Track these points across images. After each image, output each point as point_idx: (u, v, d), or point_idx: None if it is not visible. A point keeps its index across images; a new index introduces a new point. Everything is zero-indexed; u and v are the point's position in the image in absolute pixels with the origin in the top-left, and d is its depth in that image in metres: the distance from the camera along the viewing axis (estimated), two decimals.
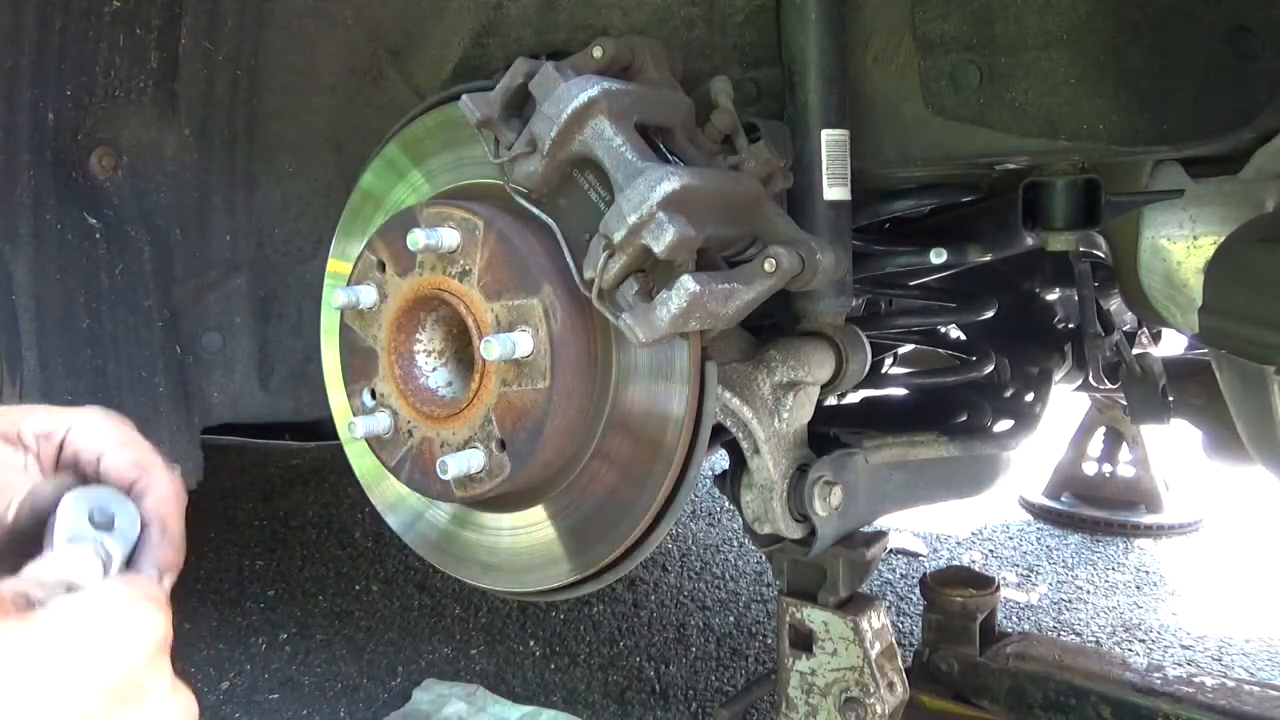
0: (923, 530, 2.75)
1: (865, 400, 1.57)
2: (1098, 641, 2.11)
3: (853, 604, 1.13)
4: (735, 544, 2.65)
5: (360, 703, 1.86)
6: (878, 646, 1.10)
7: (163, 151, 1.35)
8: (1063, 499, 2.85)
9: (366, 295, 0.96)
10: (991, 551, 2.65)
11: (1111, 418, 2.77)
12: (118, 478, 0.59)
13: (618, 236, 0.81)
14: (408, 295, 0.94)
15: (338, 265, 1.14)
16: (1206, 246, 1.20)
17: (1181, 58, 0.84)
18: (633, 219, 0.80)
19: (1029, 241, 1.28)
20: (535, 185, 0.88)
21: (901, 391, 1.57)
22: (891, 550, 2.57)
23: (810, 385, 1.06)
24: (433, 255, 0.91)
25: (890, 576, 2.45)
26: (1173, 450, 2.73)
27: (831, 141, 0.98)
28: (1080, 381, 1.71)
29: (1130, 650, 2.07)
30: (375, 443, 0.98)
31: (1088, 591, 2.37)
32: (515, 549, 1.01)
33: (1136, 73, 0.86)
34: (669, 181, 0.80)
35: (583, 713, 1.79)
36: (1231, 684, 1.32)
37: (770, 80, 1.05)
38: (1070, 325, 1.68)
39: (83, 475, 0.59)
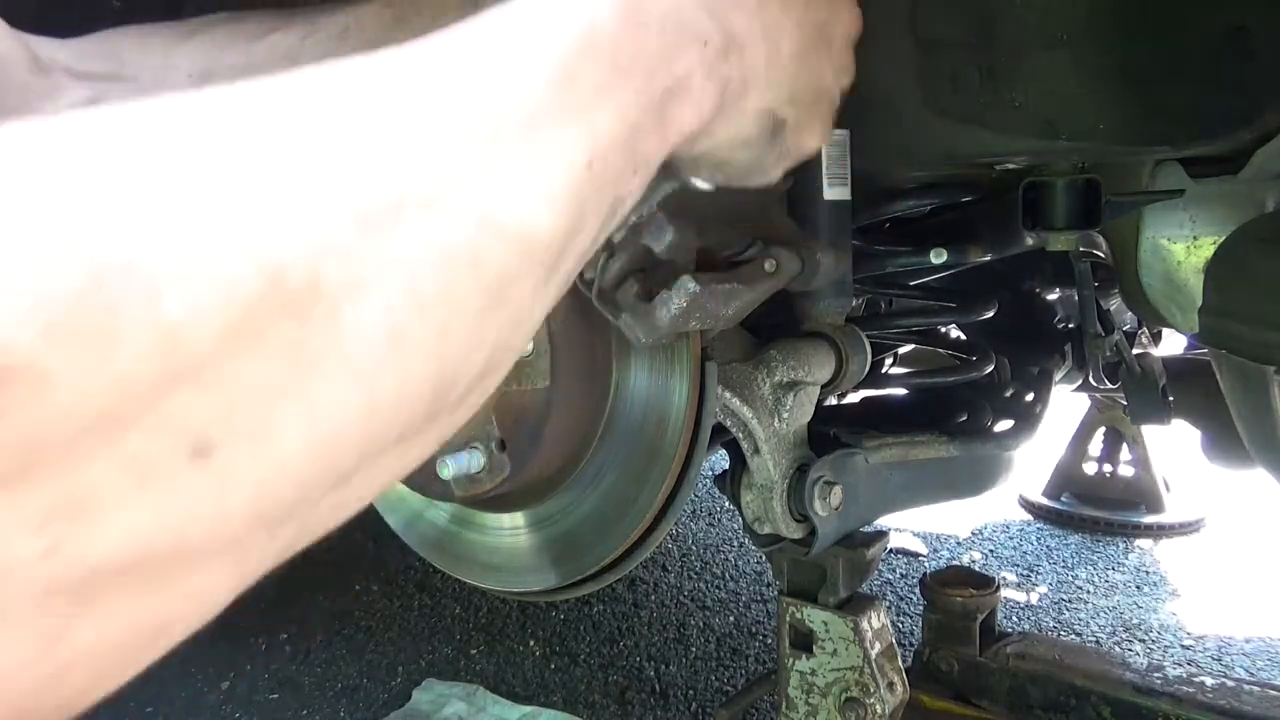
0: (923, 530, 2.75)
1: (865, 400, 1.57)
2: (1098, 641, 2.11)
3: (853, 604, 1.13)
4: (735, 544, 2.65)
5: (360, 703, 1.86)
6: (878, 646, 1.10)
7: None
8: (1063, 499, 2.85)
9: None
10: (991, 551, 2.65)
11: (1111, 418, 2.77)
12: None
13: (618, 236, 0.81)
14: None
15: None
16: (1206, 246, 1.20)
17: (1181, 58, 0.84)
18: (633, 219, 0.80)
19: (1029, 241, 1.28)
20: None
21: (901, 391, 1.57)
22: (891, 550, 2.57)
23: (810, 385, 1.06)
24: None
25: (890, 576, 2.45)
26: (1173, 450, 2.73)
27: (831, 141, 0.98)
28: (1080, 381, 1.71)
29: (1130, 650, 2.07)
30: None
31: (1088, 591, 2.37)
32: (516, 549, 1.01)
33: (1136, 73, 0.86)
34: (669, 182, 0.81)
35: (583, 713, 1.79)
36: (1232, 684, 1.32)
37: None
38: (1070, 325, 1.68)
39: None
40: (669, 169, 0.62)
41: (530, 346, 0.86)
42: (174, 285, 0.29)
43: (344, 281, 0.34)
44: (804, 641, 1.13)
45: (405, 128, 0.37)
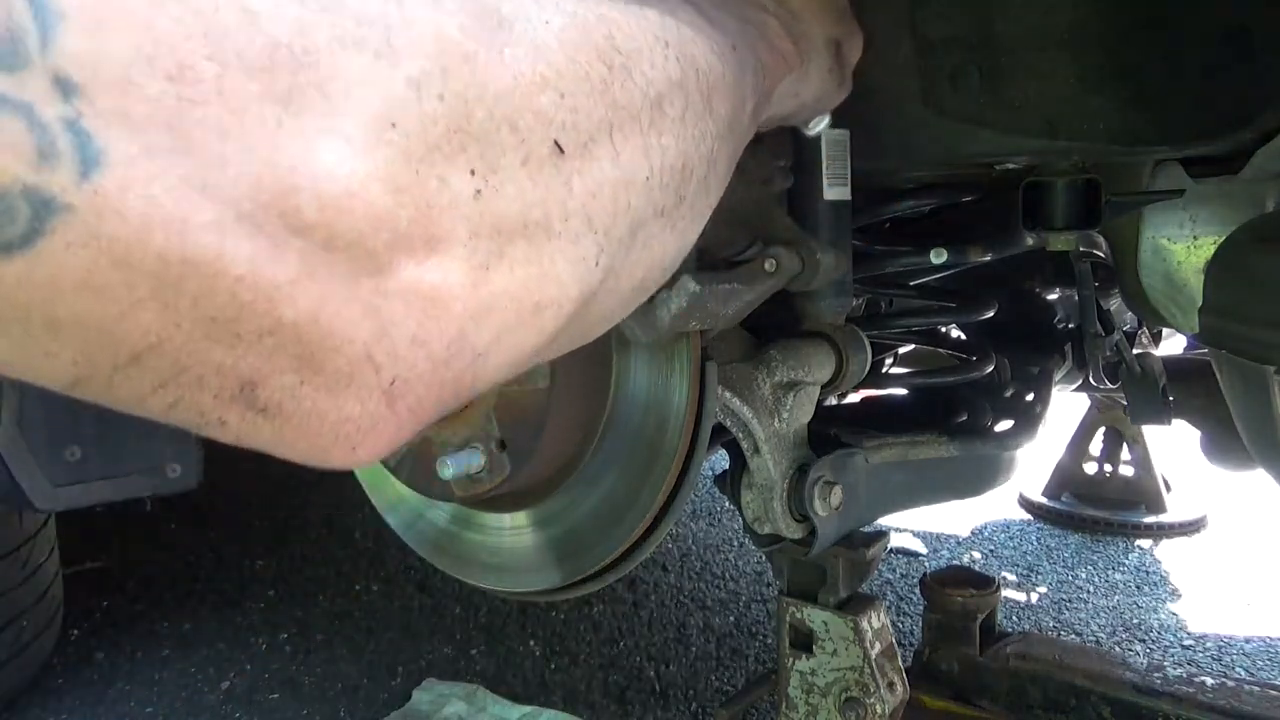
0: (923, 530, 2.75)
1: (865, 400, 1.57)
2: (1098, 641, 2.11)
3: (853, 604, 1.13)
4: (735, 544, 2.65)
5: (360, 703, 1.86)
6: (878, 646, 1.10)
7: None
8: (1063, 499, 2.85)
9: None
10: (991, 551, 2.65)
11: (1111, 418, 2.77)
12: None
13: None
14: None
15: None
16: (1206, 246, 1.20)
17: (1181, 58, 0.84)
18: None
19: (1029, 241, 1.28)
20: None
21: (901, 391, 1.57)
22: (891, 550, 2.58)
23: (810, 385, 1.06)
24: None
25: (890, 576, 2.45)
26: (1173, 450, 2.73)
27: (831, 141, 0.98)
28: (1080, 381, 1.71)
29: (1130, 650, 2.07)
30: None
31: (1088, 591, 2.37)
32: (516, 549, 1.01)
33: (1136, 73, 0.86)
34: None
35: (583, 713, 1.79)
36: (1232, 684, 1.32)
37: None
38: (1070, 325, 1.68)
39: None
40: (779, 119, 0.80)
41: None
42: (536, 26, 0.42)
43: (629, 49, 0.47)
44: (804, 641, 1.13)
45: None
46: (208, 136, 0.31)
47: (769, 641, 2.07)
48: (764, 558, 2.29)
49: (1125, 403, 1.65)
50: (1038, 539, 2.72)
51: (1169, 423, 1.57)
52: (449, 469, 0.88)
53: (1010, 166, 1.10)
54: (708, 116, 0.54)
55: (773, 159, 0.96)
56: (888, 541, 1.20)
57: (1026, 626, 2.18)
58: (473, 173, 0.39)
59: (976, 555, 2.62)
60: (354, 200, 0.34)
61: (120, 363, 0.33)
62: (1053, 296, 1.69)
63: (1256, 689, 1.31)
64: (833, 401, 1.42)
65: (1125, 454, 2.79)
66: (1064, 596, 2.34)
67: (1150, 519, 2.72)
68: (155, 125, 0.30)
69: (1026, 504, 2.90)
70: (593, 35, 0.45)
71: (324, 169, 0.33)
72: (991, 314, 1.45)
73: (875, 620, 1.11)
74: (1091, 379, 1.59)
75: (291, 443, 0.38)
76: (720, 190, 0.60)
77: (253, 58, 0.32)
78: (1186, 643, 2.10)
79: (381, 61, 0.35)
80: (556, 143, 0.42)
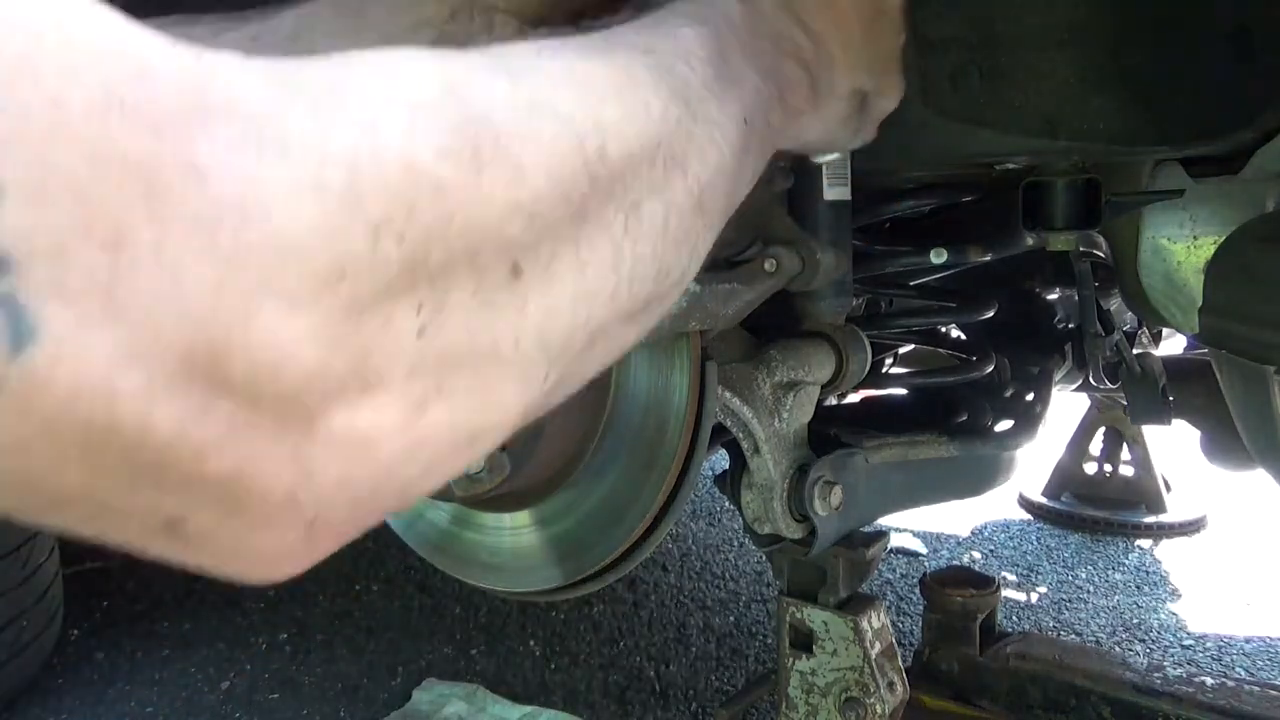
0: (923, 530, 2.75)
1: (865, 400, 1.57)
2: (1098, 641, 2.11)
3: (853, 604, 1.13)
4: (735, 544, 2.65)
5: (360, 703, 1.86)
6: (878, 646, 1.10)
7: None
8: (1063, 499, 2.85)
9: None
10: (991, 551, 2.65)
11: (1112, 418, 2.77)
12: None
13: None
14: None
15: None
16: (1206, 246, 1.20)
17: (1181, 57, 0.84)
18: None
19: (1029, 241, 1.28)
20: None
21: (901, 391, 1.57)
22: (891, 550, 2.58)
23: (810, 385, 1.06)
24: None
25: (890, 576, 2.45)
26: (1173, 450, 2.73)
27: None
28: (1080, 381, 1.71)
29: (1130, 650, 2.07)
30: None
31: (1088, 591, 2.37)
32: (516, 549, 1.01)
33: (1136, 73, 0.86)
34: None
35: (583, 713, 1.79)
36: (1232, 684, 1.32)
37: None
38: (1070, 325, 1.68)
39: None
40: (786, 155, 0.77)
41: None
42: (523, 141, 0.40)
43: (619, 156, 0.44)
44: (804, 641, 1.13)
45: (650, 86, 0.49)
46: (143, 302, 0.30)
47: (769, 641, 2.07)
48: (764, 558, 2.29)
49: (1125, 403, 1.65)
50: (1038, 539, 2.72)
51: (1169, 423, 1.57)
52: None
53: (1010, 166, 1.10)
54: (697, 217, 0.51)
55: (773, 159, 0.96)
56: (888, 541, 1.20)
57: (1026, 626, 2.18)
58: (419, 309, 0.37)
59: (976, 555, 2.62)
60: (287, 361, 0.33)
61: (47, 506, 0.33)
62: (1053, 296, 1.69)
63: (1256, 689, 1.31)
64: (833, 401, 1.42)
65: (1125, 454, 2.79)
66: (1064, 596, 2.34)
67: (1150, 519, 2.72)
68: (90, 296, 0.29)
69: (1026, 504, 2.90)
70: (585, 147, 0.42)
71: (259, 333, 0.32)
72: (991, 314, 1.45)
73: (875, 620, 1.11)
74: (1091, 379, 1.59)
75: (214, 567, 0.39)
76: (695, 270, 0.58)
77: (195, 218, 0.31)
78: (1186, 643, 2.10)
79: (343, 207, 0.34)
80: (515, 264, 0.40)
